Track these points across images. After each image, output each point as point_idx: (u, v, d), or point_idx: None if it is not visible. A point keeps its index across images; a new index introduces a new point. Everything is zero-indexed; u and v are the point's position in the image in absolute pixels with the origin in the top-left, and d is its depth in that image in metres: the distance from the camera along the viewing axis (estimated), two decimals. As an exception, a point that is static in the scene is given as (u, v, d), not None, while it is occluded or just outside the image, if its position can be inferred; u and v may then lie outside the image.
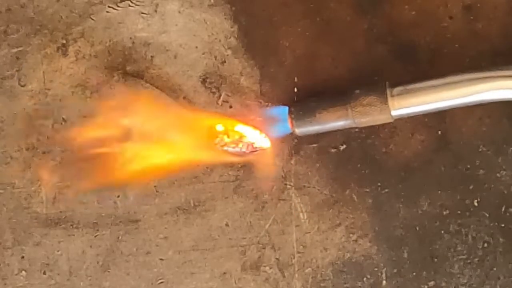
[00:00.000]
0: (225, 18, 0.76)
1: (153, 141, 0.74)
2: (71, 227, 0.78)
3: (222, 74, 0.76)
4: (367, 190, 0.74)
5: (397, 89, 0.67)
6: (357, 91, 0.68)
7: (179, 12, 0.76)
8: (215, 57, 0.76)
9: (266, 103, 0.75)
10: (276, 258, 0.75)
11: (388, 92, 0.67)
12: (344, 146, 0.74)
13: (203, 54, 0.76)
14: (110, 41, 0.77)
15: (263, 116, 0.73)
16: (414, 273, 0.73)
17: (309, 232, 0.75)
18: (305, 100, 0.71)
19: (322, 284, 0.75)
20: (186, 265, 0.77)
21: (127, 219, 0.77)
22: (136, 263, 0.77)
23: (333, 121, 0.69)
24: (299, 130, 0.71)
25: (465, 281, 0.73)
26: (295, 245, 0.75)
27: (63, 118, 0.77)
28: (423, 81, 0.67)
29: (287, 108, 0.71)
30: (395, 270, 0.74)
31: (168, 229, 0.77)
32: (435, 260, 0.73)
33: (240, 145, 0.73)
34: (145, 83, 0.76)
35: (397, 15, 0.73)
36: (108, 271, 0.78)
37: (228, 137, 0.73)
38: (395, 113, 0.67)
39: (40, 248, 0.78)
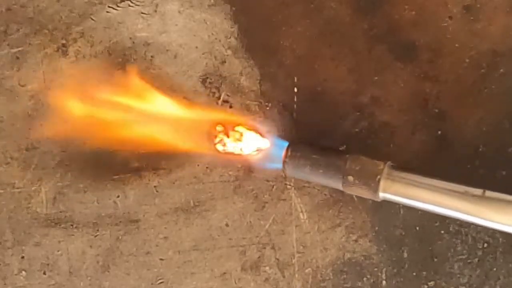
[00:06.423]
0: (225, 18, 0.76)
1: (154, 140, 0.75)
2: (71, 227, 0.78)
3: (222, 74, 0.76)
4: (367, 190, 0.74)
5: (389, 186, 0.66)
6: (351, 178, 0.67)
7: (179, 12, 0.76)
8: (215, 57, 0.76)
9: (266, 103, 0.75)
10: (276, 258, 0.75)
11: (380, 186, 0.66)
12: (344, 146, 0.74)
13: (203, 54, 0.76)
14: (110, 41, 0.77)
15: (261, 145, 0.73)
16: (414, 273, 0.73)
17: (309, 232, 0.75)
18: (303, 149, 0.70)
19: (322, 284, 0.75)
20: (186, 265, 0.77)
21: (127, 219, 0.77)
22: (136, 263, 0.77)
23: (322, 181, 0.69)
24: (289, 174, 0.71)
25: (465, 281, 0.73)
26: (295, 245, 0.75)
27: (63, 118, 0.77)
28: (421, 178, 0.66)
29: (285, 144, 0.70)
30: (395, 270, 0.74)
31: (168, 229, 0.77)
32: (435, 260, 0.73)
33: (240, 145, 0.73)
34: (145, 83, 0.76)
35: (397, 15, 0.73)
36: (108, 271, 0.78)
37: (228, 137, 0.73)
38: (383, 196, 0.67)
39: (40, 248, 0.78)
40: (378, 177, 0.66)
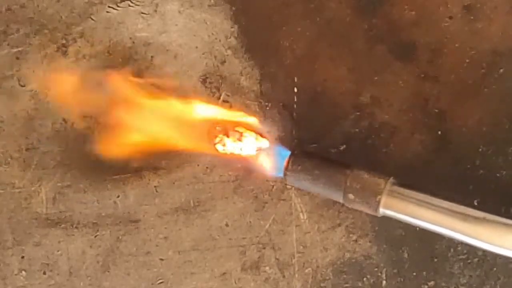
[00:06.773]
0: (225, 18, 0.76)
1: (154, 139, 0.75)
2: (71, 227, 0.78)
3: (222, 74, 0.76)
4: (367, 190, 0.74)
5: (390, 204, 0.66)
6: (351, 196, 0.67)
7: (179, 12, 0.76)
8: (215, 57, 0.76)
9: (266, 103, 0.75)
10: (276, 258, 0.75)
11: (381, 204, 0.66)
12: (344, 146, 0.74)
13: (203, 54, 0.76)
14: (110, 41, 0.77)
15: (264, 151, 0.72)
16: (414, 273, 0.73)
17: (309, 232, 0.75)
18: (304, 162, 0.69)
19: (322, 284, 0.75)
20: (186, 265, 0.77)
21: (127, 219, 0.77)
22: (136, 263, 0.77)
23: (323, 194, 0.70)
24: (289, 182, 0.71)
25: (465, 281, 0.73)
26: (295, 245, 0.75)
27: (63, 118, 0.77)
28: (422, 197, 0.66)
29: (287, 154, 0.70)
30: (395, 270, 0.74)
31: (168, 229, 0.77)
32: (435, 260, 0.73)
33: (240, 145, 0.73)
34: (145, 83, 0.76)
35: (397, 15, 0.73)
36: (108, 271, 0.78)
37: (228, 137, 0.73)
38: (383, 213, 0.67)
39: (40, 248, 0.78)
40: (379, 197, 0.66)
